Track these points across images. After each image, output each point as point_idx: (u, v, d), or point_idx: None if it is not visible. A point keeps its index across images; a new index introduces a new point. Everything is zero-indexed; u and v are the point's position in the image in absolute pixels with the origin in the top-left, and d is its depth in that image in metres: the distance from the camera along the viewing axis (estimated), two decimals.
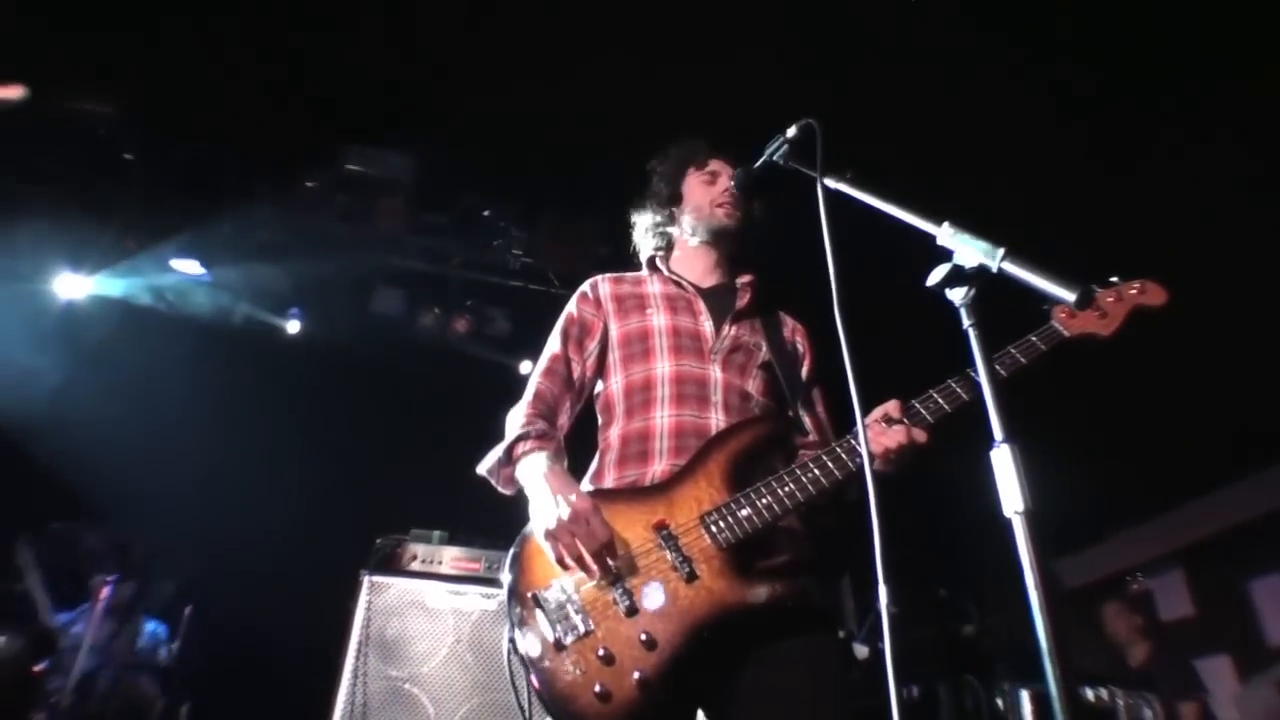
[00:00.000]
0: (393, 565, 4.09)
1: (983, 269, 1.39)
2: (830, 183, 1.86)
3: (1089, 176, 4.88)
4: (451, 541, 4.19)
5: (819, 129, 1.94)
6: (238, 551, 5.05)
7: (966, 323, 1.41)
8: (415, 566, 4.08)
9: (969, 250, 1.42)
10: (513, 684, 1.88)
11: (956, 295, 1.42)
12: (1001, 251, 1.37)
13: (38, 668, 4.24)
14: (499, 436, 2.22)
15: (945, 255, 1.48)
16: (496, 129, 5.23)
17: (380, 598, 4.00)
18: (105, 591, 4.26)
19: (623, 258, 2.71)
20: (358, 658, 3.85)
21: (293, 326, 6.31)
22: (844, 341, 1.63)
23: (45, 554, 4.41)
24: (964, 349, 1.44)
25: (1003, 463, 1.21)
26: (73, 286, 6.06)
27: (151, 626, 4.84)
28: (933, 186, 2.46)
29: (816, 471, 1.95)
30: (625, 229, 2.71)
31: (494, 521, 3.94)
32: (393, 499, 5.23)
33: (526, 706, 1.84)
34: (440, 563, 4.12)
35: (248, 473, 5.53)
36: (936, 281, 1.44)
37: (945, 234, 1.49)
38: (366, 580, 4.03)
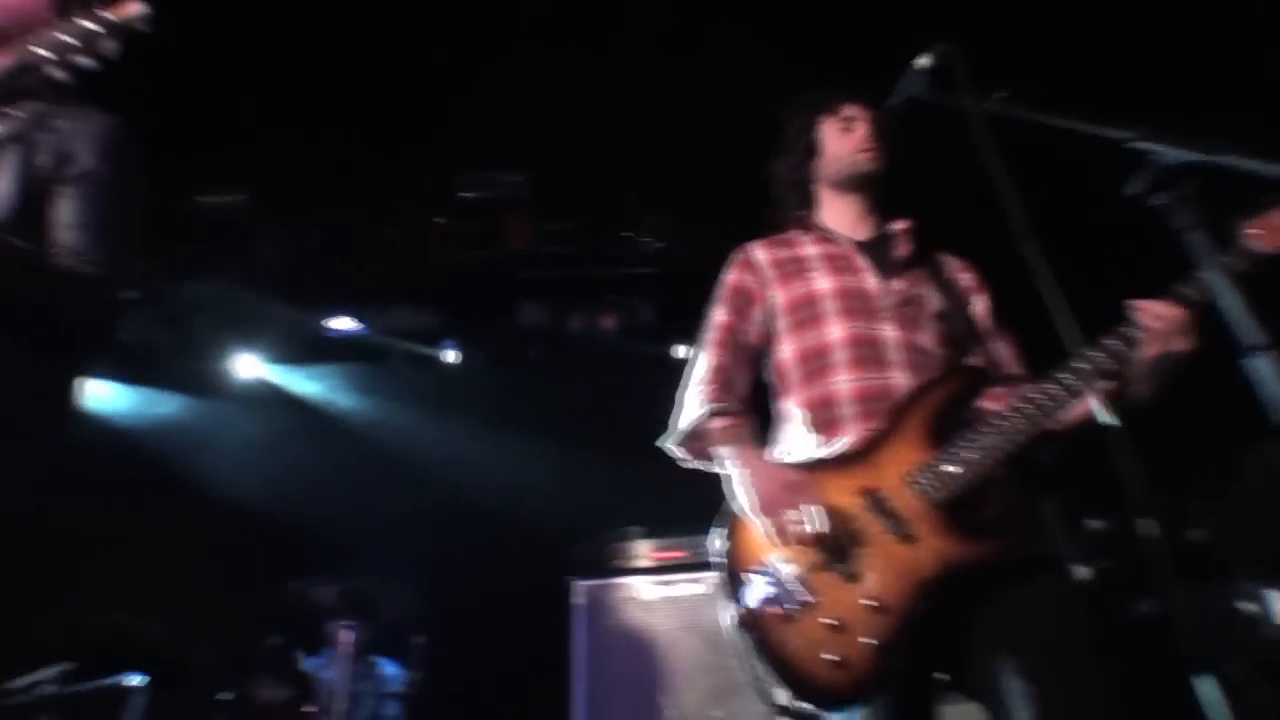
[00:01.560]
0: (597, 568, 4.22)
1: (1192, 164, 1.28)
2: (986, 107, 1.78)
3: None
4: (649, 535, 4.28)
5: (958, 53, 1.86)
6: (453, 579, 5.30)
7: (1181, 225, 1.31)
8: (622, 564, 4.20)
9: (1168, 148, 1.32)
10: (743, 664, 1.89)
11: (1165, 199, 1.32)
12: (1208, 142, 1.26)
13: (307, 709, 4.57)
14: (665, 423, 2.26)
15: (1139, 160, 1.38)
16: (601, 121, 5.25)
17: (592, 600, 4.13)
18: (345, 636, 4.56)
19: (759, 222, 2.65)
20: (584, 661, 4.00)
21: (450, 356, 6.55)
22: (1040, 269, 1.55)
23: (285, 610, 4.73)
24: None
25: (1264, 371, 1.12)
26: (250, 366, 6.57)
27: (386, 666, 5.13)
28: None
29: (1021, 418, 1.86)
30: (756, 192, 2.65)
31: (686, 507, 4.01)
32: (582, 502, 5.40)
33: (760, 681, 1.86)
34: (643, 557, 4.23)
35: (445, 504, 5.81)
36: (1141, 188, 1.35)
37: (1136, 136, 1.39)
38: (575, 586, 4.17)
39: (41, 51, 1.34)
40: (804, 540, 1.86)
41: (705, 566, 4.00)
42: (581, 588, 4.15)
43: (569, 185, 5.82)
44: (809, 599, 1.82)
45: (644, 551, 4.25)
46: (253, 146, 5.34)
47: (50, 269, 1.50)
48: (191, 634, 4.28)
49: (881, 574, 1.80)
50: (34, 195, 1.57)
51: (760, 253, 2.39)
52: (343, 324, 6.48)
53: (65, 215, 1.58)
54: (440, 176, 5.76)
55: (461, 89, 5.07)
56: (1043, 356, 2.03)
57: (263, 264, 6.17)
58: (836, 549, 1.85)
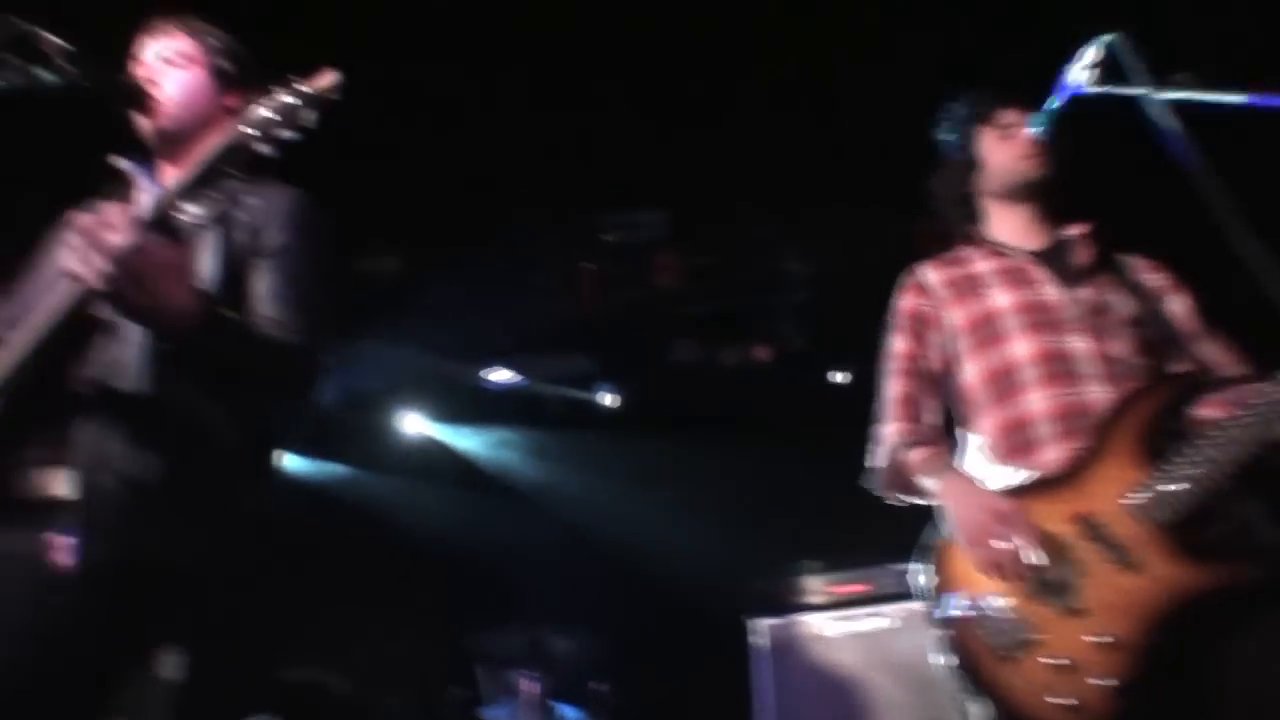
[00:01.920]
0: (776, 606, 4.11)
1: None
2: (1165, 95, 1.65)
3: None
4: (828, 569, 4.15)
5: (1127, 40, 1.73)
6: (629, 623, 5.30)
7: None
8: (800, 601, 4.08)
9: None
10: (956, 706, 1.79)
11: None
12: None
13: None
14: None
15: None
16: (736, 149, 5.24)
17: (773, 640, 4.02)
18: (527, 685, 4.62)
19: (909, 238, 2.55)
20: (770, 701, 3.89)
21: (608, 400, 6.61)
22: (1260, 261, 1.41)
23: (467, 662, 4.83)
24: None
25: None
26: (416, 424, 6.86)
27: (568, 713, 5.16)
28: None
29: (1248, 425, 1.66)
30: (904, 208, 2.55)
31: (865, 539, 3.87)
32: (750, 537, 5.33)
33: None
34: (823, 592, 4.09)
35: (617, 547, 5.82)
36: None
37: None
38: (754, 625, 4.08)
39: (249, 130, 1.40)
40: (1019, 573, 1.74)
41: (889, 599, 3.87)
42: (761, 627, 4.05)
43: (711, 218, 5.80)
44: (1029, 637, 1.69)
45: (822, 586, 4.11)
46: (398, 207, 5.61)
47: (257, 339, 1.56)
48: (379, 687, 4.42)
49: (1108, 608, 1.65)
50: (234, 272, 1.65)
51: (931, 274, 2.27)
52: (501, 376, 6.66)
53: (263, 289, 1.65)
54: (585, 221, 5.87)
55: (597, 133, 5.16)
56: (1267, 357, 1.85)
57: (419, 323, 6.43)
58: (1054, 582, 1.71)
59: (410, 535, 6.29)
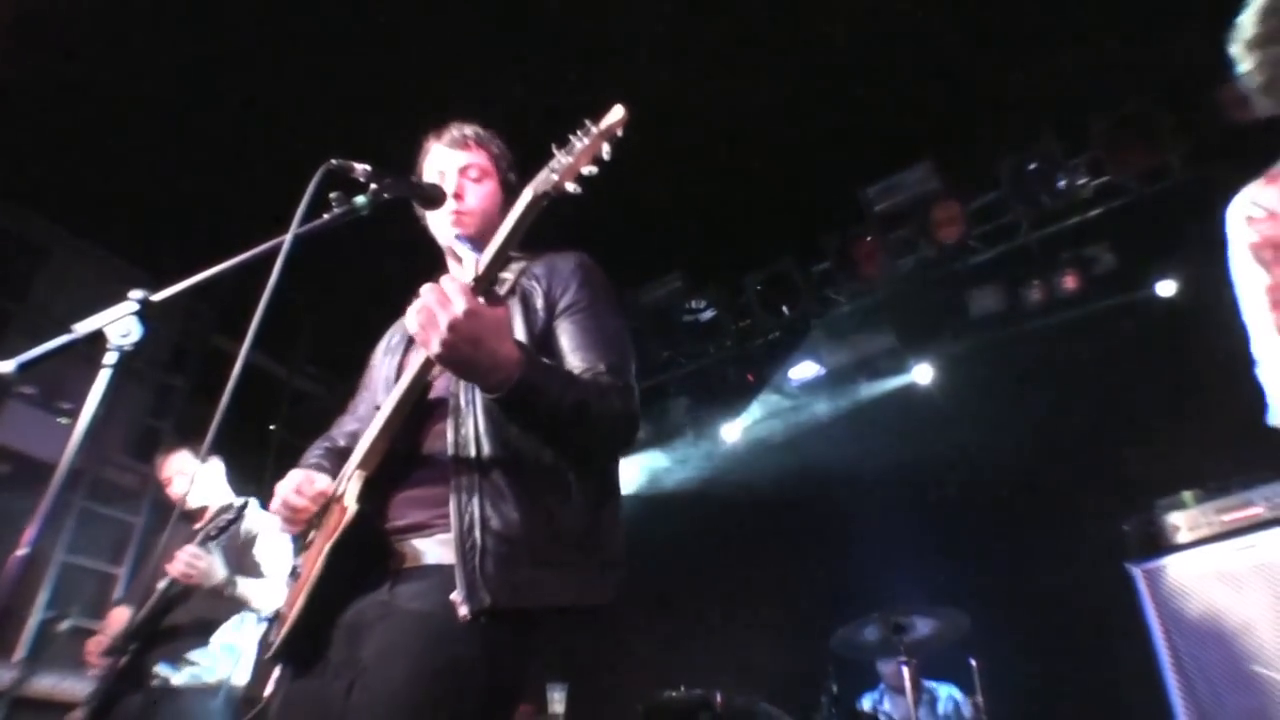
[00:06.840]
0: (1156, 546, 3.71)
1: None
2: None
3: None
4: (1208, 497, 3.67)
5: None
6: (995, 588, 5.04)
7: None
8: (1183, 538, 3.65)
9: None
10: None
11: None
12: None
13: None
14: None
15: None
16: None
17: (1161, 585, 3.64)
18: (898, 670, 4.51)
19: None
20: (1174, 656, 3.51)
21: (922, 374, 6.32)
22: None
23: (836, 657, 4.79)
24: None
25: None
26: (733, 432, 7.09)
27: (944, 690, 4.97)
28: None
29: None
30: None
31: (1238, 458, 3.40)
32: (1101, 480, 4.91)
33: None
34: (1207, 523, 3.62)
35: (966, 512, 5.56)
36: None
37: None
38: (1137, 572, 3.72)
39: (547, 189, 1.56)
40: None
41: None
42: (1144, 573, 3.66)
43: (977, 154, 5.45)
44: None
45: (1207, 517, 3.62)
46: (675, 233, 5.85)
47: (578, 381, 1.67)
48: (758, 696, 4.48)
49: None
50: (538, 336, 1.79)
51: (1265, 194, 1.88)
52: (806, 371, 6.64)
53: (568, 343, 1.79)
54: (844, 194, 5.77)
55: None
56: None
57: (709, 337, 6.62)
58: None
59: (751, 537, 6.43)
